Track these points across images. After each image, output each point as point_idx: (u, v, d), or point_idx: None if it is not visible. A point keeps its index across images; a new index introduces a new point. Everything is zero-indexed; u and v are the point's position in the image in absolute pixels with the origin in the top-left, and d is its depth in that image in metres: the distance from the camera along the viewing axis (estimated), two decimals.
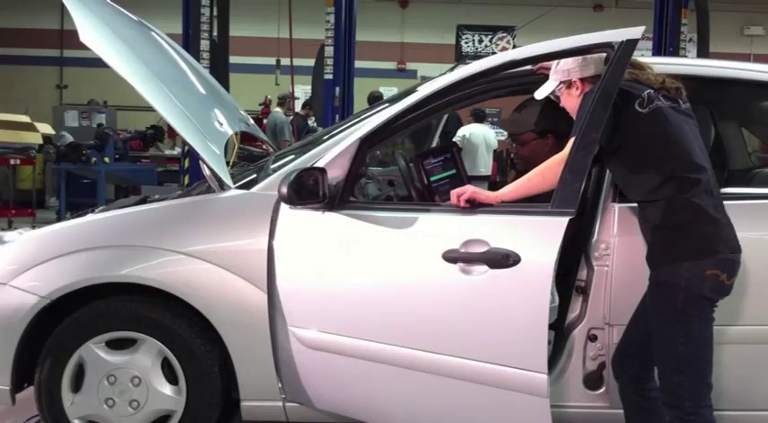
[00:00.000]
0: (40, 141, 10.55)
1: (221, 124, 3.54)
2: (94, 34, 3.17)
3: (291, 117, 11.22)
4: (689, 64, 3.97)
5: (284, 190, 2.77)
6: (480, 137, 10.70)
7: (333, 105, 8.57)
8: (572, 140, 2.56)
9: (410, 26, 15.53)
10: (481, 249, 2.61)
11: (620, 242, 2.91)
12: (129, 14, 3.73)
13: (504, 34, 15.57)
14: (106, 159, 10.50)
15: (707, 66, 3.43)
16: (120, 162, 11.31)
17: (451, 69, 3.70)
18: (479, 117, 11.08)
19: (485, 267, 2.59)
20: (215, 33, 8.78)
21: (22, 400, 3.23)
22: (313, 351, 2.94)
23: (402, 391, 2.84)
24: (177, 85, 3.57)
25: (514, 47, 15.32)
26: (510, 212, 2.65)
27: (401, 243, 2.81)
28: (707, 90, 3.58)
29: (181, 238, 3.04)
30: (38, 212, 10.57)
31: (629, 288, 2.87)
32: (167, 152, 13.02)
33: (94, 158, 10.31)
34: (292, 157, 3.35)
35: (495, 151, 11.31)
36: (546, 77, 2.88)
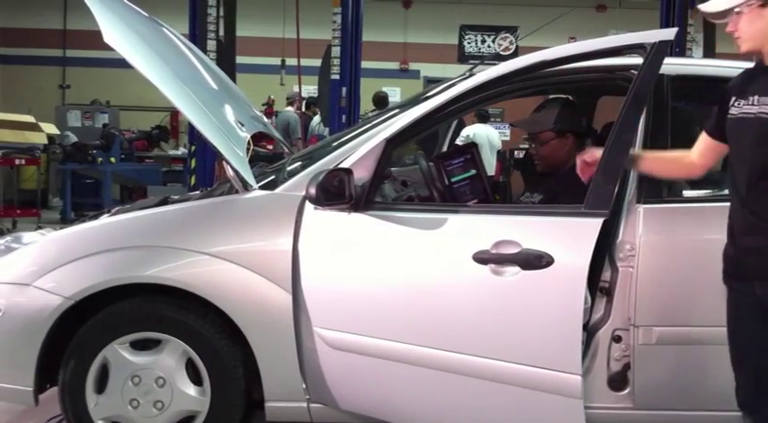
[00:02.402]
0: (45, 141, 10.54)
1: (242, 125, 3.54)
2: (118, 35, 3.15)
3: (299, 116, 11.25)
4: (701, 64, 3.97)
5: (312, 190, 2.77)
6: (484, 137, 10.72)
7: (339, 105, 8.56)
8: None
9: (413, 26, 15.52)
10: (513, 250, 2.61)
11: (646, 243, 2.90)
12: (142, 11, 3.70)
13: (507, 34, 15.57)
14: (112, 159, 10.50)
15: (718, 66, 3.42)
16: (125, 162, 11.31)
17: (470, 70, 3.71)
18: (483, 117, 11.09)
19: (517, 268, 2.60)
20: (221, 33, 8.78)
21: (43, 400, 3.22)
22: (338, 352, 2.94)
23: (431, 392, 2.84)
24: (196, 84, 3.57)
25: (517, 47, 15.33)
26: (542, 213, 2.66)
27: (430, 244, 2.81)
28: (718, 90, 3.59)
29: (205, 239, 3.03)
30: (41, 212, 10.56)
31: (655, 289, 2.88)
32: (171, 152, 13.03)
33: (100, 158, 10.30)
34: (313, 158, 3.36)
35: (498, 151, 11.33)
36: (564, 80, 2.89)
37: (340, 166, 2.93)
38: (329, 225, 2.95)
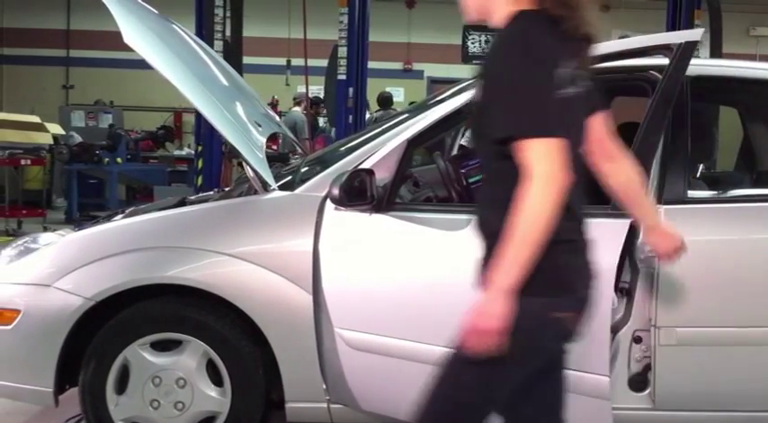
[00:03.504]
0: (51, 142, 10.53)
1: (259, 125, 3.54)
2: (137, 35, 3.14)
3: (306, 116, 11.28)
4: (721, 65, 3.97)
5: (335, 191, 2.77)
6: None
7: (346, 106, 8.56)
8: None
9: (417, 26, 15.51)
10: None
11: None
12: (154, 10, 3.69)
13: None
14: (118, 160, 10.49)
15: (735, 67, 3.43)
16: (131, 162, 11.31)
17: None
18: None
19: None
20: (228, 34, 8.77)
21: (61, 400, 3.22)
22: (359, 352, 2.94)
23: None
24: (212, 83, 3.57)
25: None
26: None
27: (452, 245, 2.80)
28: (735, 91, 3.60)
29: (226, 240, 3.03)
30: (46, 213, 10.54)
31: (676, 290, 2.88)
32: (176, 152, 13.03)
33: (107, 159, 10.30)
34: (329, 159, 3.36)
35: None
36: (599, 80, 2.88)
37: (361, 166, 2.94)
38: (350, 226, 2.95)
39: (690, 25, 8.58)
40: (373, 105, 11.12)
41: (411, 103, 11.92)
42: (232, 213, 3.15)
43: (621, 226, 2.51)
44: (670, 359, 2.92)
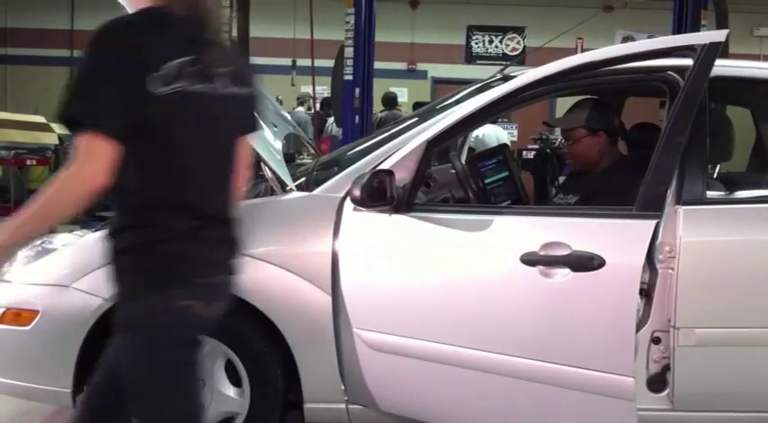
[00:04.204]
0: (56, 142, 10.54)
1: (275, 126, 3.54)
2: None
3: (312, 115, 11.27)
4: (740, 66, 3.97)
5: (357, 192, 2.77)
6: (493, 137, 10.72)
7: (353, 106, 8.55)
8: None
9: (420, 27, 15.50)
10: (562, 252, 2.61)
11: (686, 245, 2.90)
12: None
13: (514, 35, 15.58)
14: None
15: (748, 67, 3.43)
16: None
17: (501, 71, 3.72)
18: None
19: (567, 270, 2.59)
20: (234, 34, 8.77)
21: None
22: (379, 353, 2.94)
23: (476, 394, 2.84)
24: None
25: (524, 47, 15.35)
26: (591, 215, 2.66)
27: (475, 245, 2.80)
28: (748, 91, 3.61)
29: (246, 240, 3.02)
30: None
31: (695, 291, 2.88)
32: None
33: None
34: (343, 160, 3.36)
35: None
36: (602, 81, 2.89)
37: (380, 167, 2.93)
38: (369, 226, 2.95)
39: (696, 26, 8.58)
40: (377, 105, 11.12)
41: (415, 103, 11.93)
42: (250, 214, 3.11)
43: (646, 226, 2.51)
44: (689, 360, 2.92)
